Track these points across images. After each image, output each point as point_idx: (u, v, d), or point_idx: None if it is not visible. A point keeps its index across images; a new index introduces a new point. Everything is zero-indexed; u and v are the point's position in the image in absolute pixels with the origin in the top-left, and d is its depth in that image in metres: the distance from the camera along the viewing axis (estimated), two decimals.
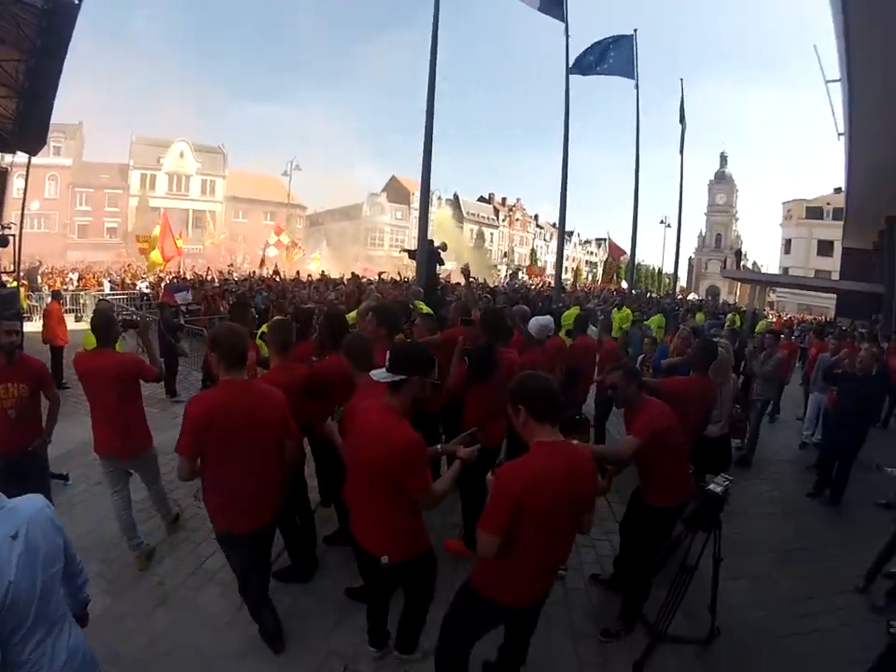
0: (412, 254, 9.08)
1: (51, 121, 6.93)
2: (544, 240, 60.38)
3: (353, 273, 16.71)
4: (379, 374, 2.12)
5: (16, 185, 13.13)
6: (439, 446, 2.48)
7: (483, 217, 53.78)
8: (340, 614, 2.96)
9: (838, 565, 3.87)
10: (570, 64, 13.27)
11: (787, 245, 44.51)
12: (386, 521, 2.16)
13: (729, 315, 14.42)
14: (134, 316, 7.83)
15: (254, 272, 21.70)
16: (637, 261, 19.06)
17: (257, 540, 2.52)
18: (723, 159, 56.02)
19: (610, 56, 14.51)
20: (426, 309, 5.20)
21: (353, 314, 4.39)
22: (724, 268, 32.51)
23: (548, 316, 4.44)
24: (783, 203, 45.81)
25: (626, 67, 14.97)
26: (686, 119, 20.10)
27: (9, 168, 8.24)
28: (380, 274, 17.94)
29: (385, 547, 2.16)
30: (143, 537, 3.54)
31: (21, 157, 8.00)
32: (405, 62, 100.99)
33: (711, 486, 2.55)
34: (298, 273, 19.96)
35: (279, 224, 29.29)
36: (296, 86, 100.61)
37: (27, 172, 7.38)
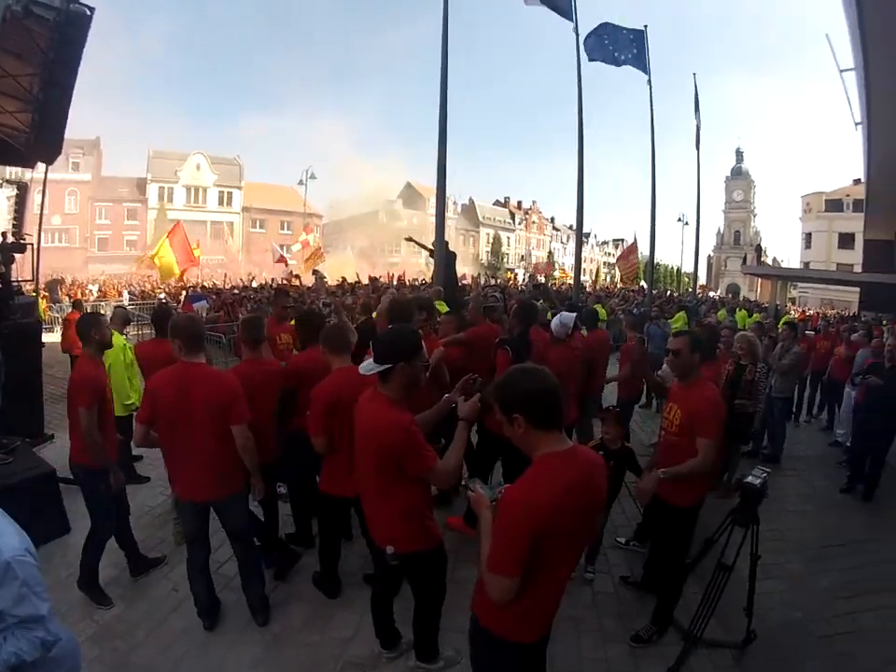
0: (431, 252, 9.05)
1: (69, 137, 7.00)
2: (561, 242, 60.54)
3: (370, 277, 16.68)
4: (366, 367, 2.08)
5: (37, 200, 13.44)
6: (445, 396, 2.40)
7: (499, 221, 53.83)
8: (361, 620, 2.85)
9: (879, 560, 3.69)
10: (583, 50, 12.97)
11: (807, 240, 43.54)
12: (392, 511, 2.11)
13: (721, 312, 13.52)
14: None
15: (272, 279, 21.66)
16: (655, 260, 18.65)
17: (201, 513, 2.77)
18: (739, 154, 55.33)
19: (626, 47, 14.27)
20: (446, 308, 5.33)
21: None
22: (745, 264, 31.87)
23: (569, 313, 4.38)
24: (802, 197, 44.91)
25: (639, 61, 14.76)
26: (701, 114, 19.79)
27: (29, 183, 8.37)
28: (400, 277, 17.89)
29: (391, 538, 2.11)
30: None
31: (42, 173, 8.11)
32: (417, 67, 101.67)
33: (749, 479, 2.40)
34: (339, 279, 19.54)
35: (310, 225, 29.25)
36: (308, 97, 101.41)
37: (44, 183, 7.53)
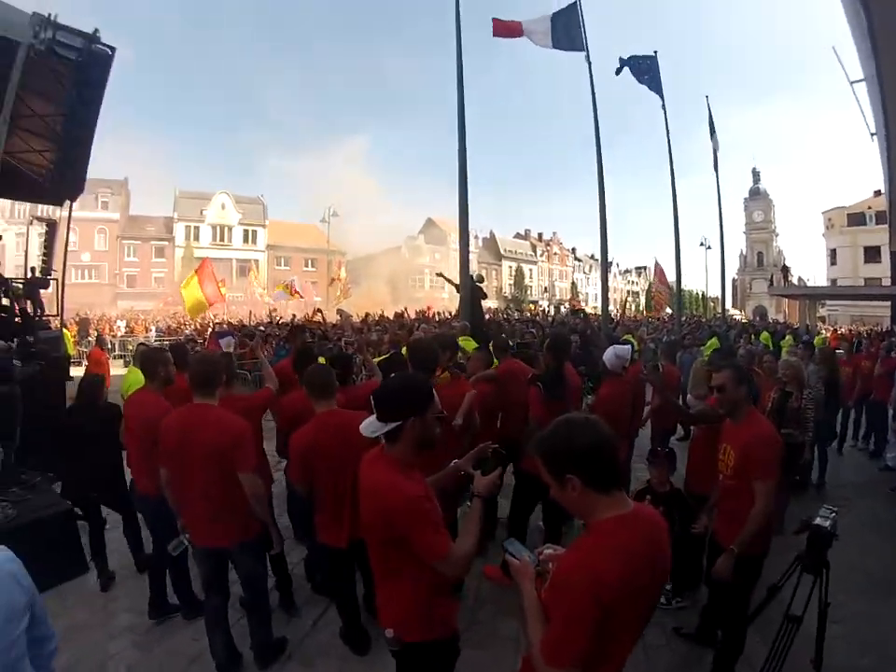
0: (457, 287, 9.01)
1: (98, 177, 7.26)
2: (584, 272, 60.60)
3: (396, 314, 16.62)
4: (369, 427, 1.72)
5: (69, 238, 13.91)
6: (453, 462, 1.99)
7: (521, 254, 54.16)
8: None
9: None
10: (594, 89, 13.19)
11: (832, 256, 42.66)
12: (396, 593, 1.75)
13: (763, 335, 13.21)
14: None
15: (294, 315, 21.80)
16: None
17: (211, 558, 2.65)
18: (756, 174, 54.93)
19: (644, 72, 14.62)
20: (473, 345, 5.17)
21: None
22: (772, 285, 31.21)
23: (626, 346, 4.12)
24: (823, 213, 44.21)
25: (654, 85, 14.98)
26: (717, 136, 19.69)
27: (59, 221, 8.65)
28: (425, 312, 17.79)
29: (394, 622, 1.75)
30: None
31: (70, 210, 8.39)
32: (435, 104, 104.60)
33: (818, 520, 2.16)
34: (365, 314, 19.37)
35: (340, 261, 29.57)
36: (330, 139, 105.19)
37: (69, 220, 7.75)
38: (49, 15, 4.68)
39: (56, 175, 6.53)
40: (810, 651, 2.36)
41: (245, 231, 42.05)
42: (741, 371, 2.55)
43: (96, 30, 5.07)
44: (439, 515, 1.66)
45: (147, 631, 3.07)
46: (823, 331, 23.43)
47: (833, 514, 2.19)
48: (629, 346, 4.13)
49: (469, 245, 8.67)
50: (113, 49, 5.38)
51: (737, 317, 30.88)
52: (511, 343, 5.05)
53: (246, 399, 3.34)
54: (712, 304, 35.08)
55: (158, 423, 2.66)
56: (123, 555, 3.91)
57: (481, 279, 8.71)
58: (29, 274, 7.95)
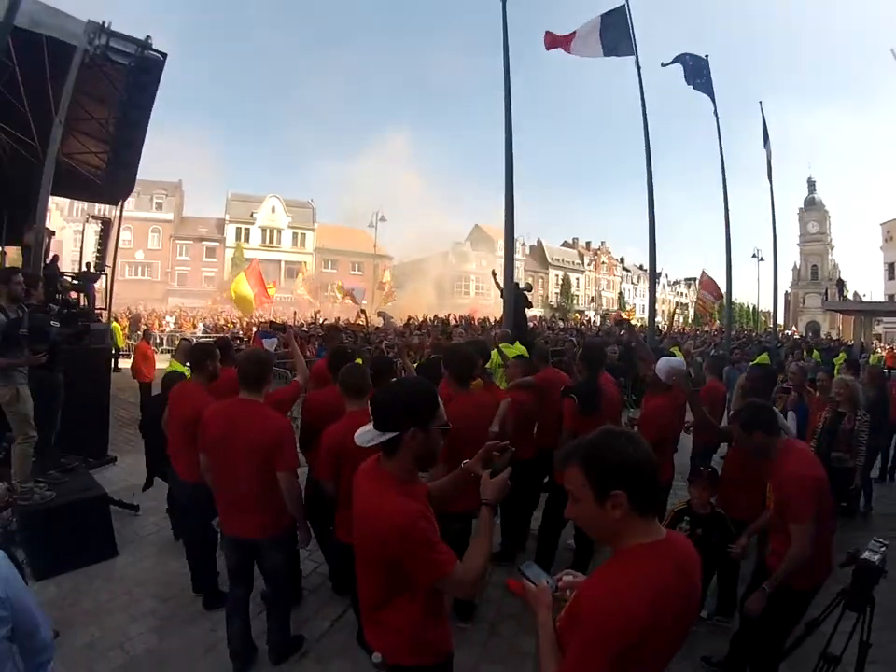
0: (503, 292, 8.98)
1: (154, 179, 7.68)
2: (632, 283, 59.43)
3: (436, 317, 16.67)
4: (364, 436, 1.57)
5: (123, 237, 14.66)
6: (464, 463, 1.80)
7: (568, 263, 53.57)
8: None
9: None
10: (644, 97, 12.91)
11: (890, 270, 40.36)
12: (386, 614, 1.58)
13: (815, 353, 12.46)
14: None
15: (338, 318, 22.20)
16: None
17: (239, 548, 2.69)
18: (811, 184, 52.33)
19: (696, 74, 14.18)
20: (515, 351, 5.12)
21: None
22: (826, 300, 29.58)
23: (678, 358, 3.95)
24: (881, 225, 41.99)
25: (707, 88, 14.55)
26: (771, 143, 18.87)
27: (113, 220, 9.14)
28: (468, 318, 17.81)
29: (384, 645, 1.59)
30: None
31: (124, 210, 8.86)
32: (483, 111, 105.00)
33: (866, 554, 1.97)
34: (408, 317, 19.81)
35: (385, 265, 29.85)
36: (378, 144, 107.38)
37: (119, 219, 8.16)
38: (104, 22, 4.96)
39: (109, 175, 6.93)
40: None
41: (294, 234, 43.19)
42: (748, 418, 2.36)
43: (148, 37, 5.32)
44: (436, 533, 1.51)
45: (168, 617, 3.13)
46: (879, 350, 22.03)
47: (883, 548, 2.00)
48: (681, 359, 3.95)
49: (513, 251, 8.59)
50: (164, 54, 5.64)
51: (788, 332, 29.40)
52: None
53: (277, 393, 3.31)
54: (763, 319, 33.36)
55: (199, 414, 2.73)
56: (155, 542, 4.08)
57: (529, 287, 8.63)
58: (84, 270, 8.41)
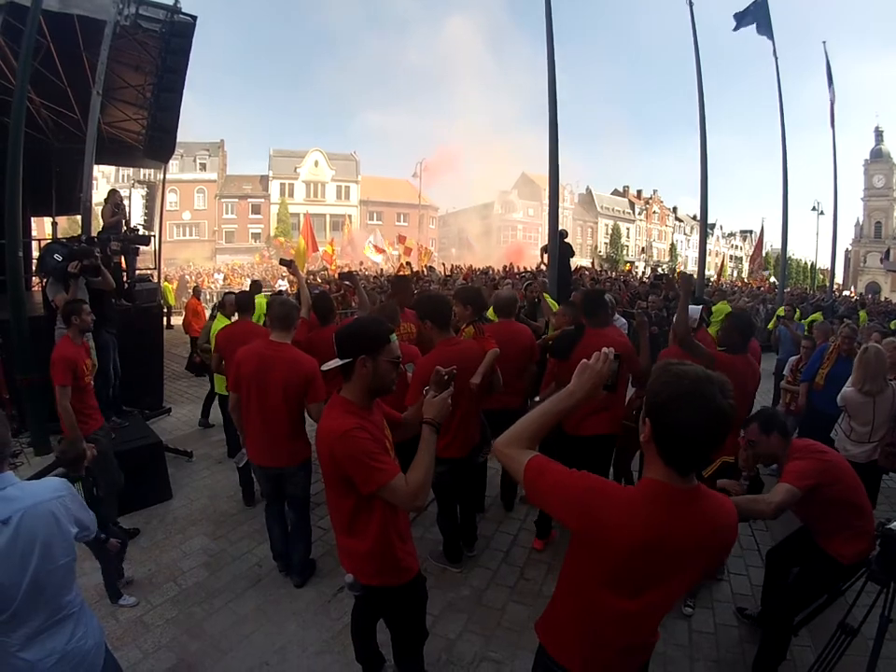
0: (544, 248, 8.84)
1: (196, 140, 7.82)
2: (684, 234, 56.47)
3: (475, 269, 16.63)
4: (329, 363, 1.81)
5: (169, 199, 15.09)
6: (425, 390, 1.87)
7: (618, 211, 51.41)
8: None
9: None
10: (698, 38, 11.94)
11: None
12: (351, 535, 1.77)
13: (862, 314, 11.43)
14: None
15: (382, 269, 22.51)
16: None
17: (271, 478, 3.03)
18: (879, 134, 46.74)
19: (752, 13, 13.37)
20: (552, 302, 5.34)
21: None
22: (887, 259, 27.16)
23: (696, 306, 3.70)
24: None
25: (765, 28, 13.42)
26: (835, 87, 16.99)
27: (158, 183, 9.42)
28: (508, 268, 17.82)
29: (352, 565, 1.80)
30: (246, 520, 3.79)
31: (170, 173, 9.12)
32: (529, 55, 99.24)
33: (893, 525, 1.89)
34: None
35: (401, 235, 29.49)
36: (423, 90, 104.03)
37: (163, 182, 8.39)
38: None
39: (150, 140, 7.12)
40: (862, 667, 2.10)
41: (339, 187, 42.93)
42: (767, 420, 2.31)
43: (176, 1, 5.34)
44: (377, 445, 1.68)
45: (217, 553, 3.43)
46: None
47: None
48: (699, 307, 3.71)
49: (557, 198, 8.29)
50: (194, 17, 5.64)
51: (845, 294, 27.24)
52: None
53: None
54: (822, 276, 30.96)
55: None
56: (207, 486, 4.38)
57: (564, 234, 8.40)
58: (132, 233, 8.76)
